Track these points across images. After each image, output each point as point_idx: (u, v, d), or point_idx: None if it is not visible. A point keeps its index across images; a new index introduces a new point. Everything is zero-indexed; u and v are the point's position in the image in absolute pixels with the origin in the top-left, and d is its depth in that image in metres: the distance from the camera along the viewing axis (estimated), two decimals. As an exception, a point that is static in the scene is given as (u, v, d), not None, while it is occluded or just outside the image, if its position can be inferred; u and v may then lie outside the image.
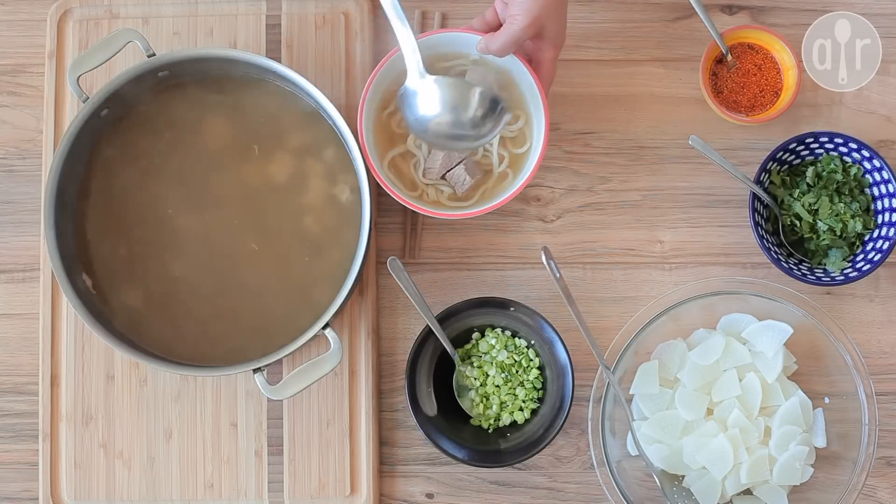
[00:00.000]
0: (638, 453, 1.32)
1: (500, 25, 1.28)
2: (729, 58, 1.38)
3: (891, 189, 1.33)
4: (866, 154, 1.34)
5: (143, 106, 1.32)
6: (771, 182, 1.36)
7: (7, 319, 1.37)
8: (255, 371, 1.23)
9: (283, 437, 1.34)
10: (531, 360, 1.34)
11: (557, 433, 1.30)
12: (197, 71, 1.31)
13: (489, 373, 1.33)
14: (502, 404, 1.33)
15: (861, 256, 1.35)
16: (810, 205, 1.34)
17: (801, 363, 1.35)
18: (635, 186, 1.39)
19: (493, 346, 1.34)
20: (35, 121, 1.40)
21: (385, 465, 1.36)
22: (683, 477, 1.34)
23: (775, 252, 1.34)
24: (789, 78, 1.37)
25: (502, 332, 1.35)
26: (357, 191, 1.30)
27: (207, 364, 1.27)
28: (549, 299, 1.36)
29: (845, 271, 1.34)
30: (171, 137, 1.32)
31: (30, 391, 1.36)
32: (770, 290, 1.33)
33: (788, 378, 1.34)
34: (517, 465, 1.35)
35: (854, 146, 1.34)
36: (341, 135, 1.30)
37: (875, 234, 1.35)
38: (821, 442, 1.33)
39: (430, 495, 1.36)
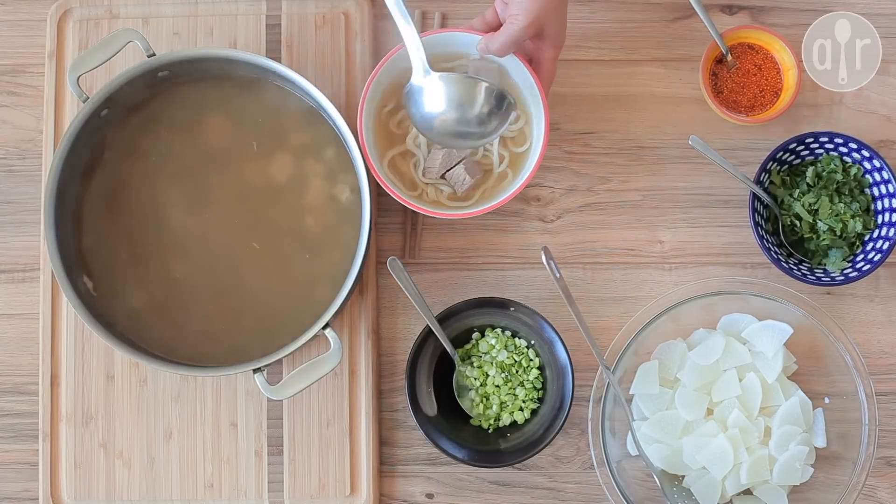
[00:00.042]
0: (638, 453, 1.32)
1: (500, 25, 1.28)
2: (729, 58, 1.38)
3: (891, 189, 1.33)
4: (866, 154, 1.34)
5: (143, 106, 1.32)
6: (771, 182, 1.36)
7: (7, 319, 1.37)
8: (255, 371, 1.23)
9: (283, 437, 1.34)
10: (531, 360, 1.34)
11: (557, 433, 1.30)
12: (197, 71, 1.31)
13: (489, 373, 1.33)
14: (502, 404, 1.33)
15: (861, 256, 1.34)
16: (810, 205, 1.34)
17: (801, 363, 1.35)
18: (635, 186, 1.39)
19: (493, 346, 1.34)
20: (35, 121, 1.39)
21: (385, 465, 1.36)
22: (683, 477, 1.34)
23: (775, 252, 1.34)
24: (789, 78, 1.37)
25: (502, 332, 1.35)
26: (357, 190, 1.30)
27: (207, 364, 1.27)
28: (549, 299, 1.36)
29: (845, 271, 1.34)
30: (171, 137, 1.32)
31: (30, 391, 1.36)
32: (770, 290, 1.33)
33: (788, 378, 1.34)
34: (517, 465, 1.35)
35: (854, 146, 1.34)
36: (341, 135, 1.30)
37: (875, 234, 1.35)
38: (821, 442, 1.33)
39: (430, 495, 1.36)
